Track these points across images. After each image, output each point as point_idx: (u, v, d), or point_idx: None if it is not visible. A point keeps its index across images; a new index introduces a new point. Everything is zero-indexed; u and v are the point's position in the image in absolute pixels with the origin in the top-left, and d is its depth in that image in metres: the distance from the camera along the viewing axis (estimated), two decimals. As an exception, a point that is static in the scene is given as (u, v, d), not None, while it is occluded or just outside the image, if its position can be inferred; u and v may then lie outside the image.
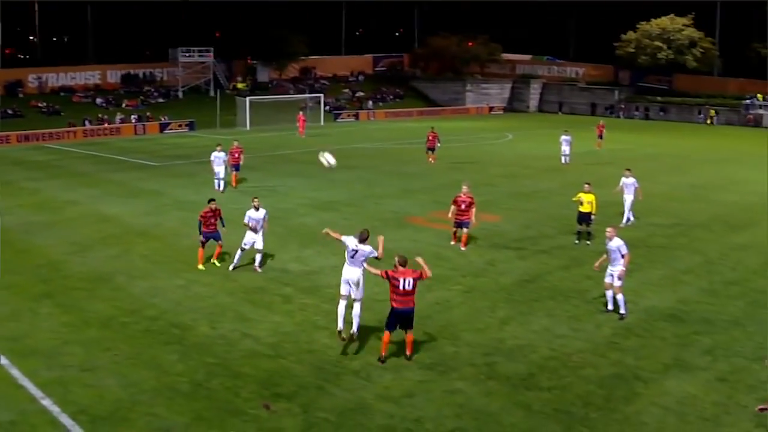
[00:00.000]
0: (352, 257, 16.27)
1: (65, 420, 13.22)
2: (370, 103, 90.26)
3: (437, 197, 34.04)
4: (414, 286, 15.52)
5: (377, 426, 13.17)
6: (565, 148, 45.45)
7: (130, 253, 24.63)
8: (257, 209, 22.28)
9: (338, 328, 16.31)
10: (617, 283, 18.61)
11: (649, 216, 29.68)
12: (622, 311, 18.57)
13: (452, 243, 25.35)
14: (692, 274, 22.82)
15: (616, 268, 18.66)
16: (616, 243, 18.68)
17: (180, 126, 70.48)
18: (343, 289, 16.47)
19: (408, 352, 15.85)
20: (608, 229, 19.08)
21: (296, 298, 20.03)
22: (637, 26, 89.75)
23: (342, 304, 16.48)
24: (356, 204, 32.99)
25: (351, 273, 16.34)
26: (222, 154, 36.16)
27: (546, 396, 14.33)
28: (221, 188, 35.75)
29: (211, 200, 23.09)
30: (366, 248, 16.25)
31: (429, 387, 14.68)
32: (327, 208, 32.05)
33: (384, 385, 14.75)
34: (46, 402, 13.86)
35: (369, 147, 56.68)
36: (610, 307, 18.95)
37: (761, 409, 13.55)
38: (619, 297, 18.62)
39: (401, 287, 15.42)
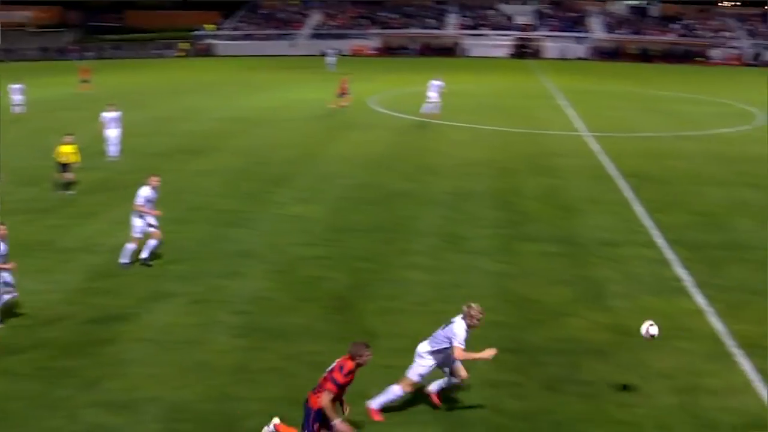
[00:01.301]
0: None
1: None
2: None
3: None
4: None
5: None
6: (18, 97, 43.01)
7: None
8: None
9: None
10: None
11: (104, 156, 29.55)
12: (145, 255, 18.18)
13: None
14: (160, 206, 23.11)
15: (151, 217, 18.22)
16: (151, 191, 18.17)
17: None
18: None
19: None
20: (154, 178, 18.27)
21: None
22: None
23: None
24: None
25: None
26: None
27: (27, 357, 13.58)
28: None
29: None
30: None
31: None
32: None
33: None
34: None
35: None
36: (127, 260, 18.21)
37: None
38: (154, 242, 18.22)
39: None
